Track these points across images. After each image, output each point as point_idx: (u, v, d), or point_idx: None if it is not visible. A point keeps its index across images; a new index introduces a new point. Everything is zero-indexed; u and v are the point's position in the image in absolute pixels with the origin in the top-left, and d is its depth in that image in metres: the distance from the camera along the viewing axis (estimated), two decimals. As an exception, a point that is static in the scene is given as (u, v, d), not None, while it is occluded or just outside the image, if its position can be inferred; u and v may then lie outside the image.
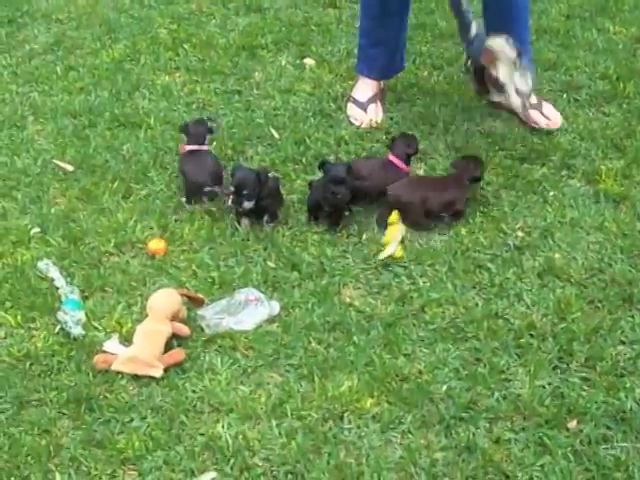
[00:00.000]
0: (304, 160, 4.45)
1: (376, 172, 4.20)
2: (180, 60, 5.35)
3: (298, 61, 5.28)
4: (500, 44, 4.26)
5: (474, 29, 4.38)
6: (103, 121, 4.85)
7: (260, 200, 4.04)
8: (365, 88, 4.85)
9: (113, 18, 5.79)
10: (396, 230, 3.98)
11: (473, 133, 4.60)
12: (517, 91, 4.34)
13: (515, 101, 4.38)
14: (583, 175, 4.34)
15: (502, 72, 4.28)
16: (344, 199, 4.03)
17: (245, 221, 4.08)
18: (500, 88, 4.32)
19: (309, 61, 5.28)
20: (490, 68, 4.32)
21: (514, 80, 4.31)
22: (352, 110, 4.81)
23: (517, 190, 4.25)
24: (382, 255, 3.90)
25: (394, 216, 4.03)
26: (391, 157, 4.23)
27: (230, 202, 4.04)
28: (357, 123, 4.74)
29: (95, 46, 5.53)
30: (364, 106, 4.79)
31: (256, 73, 5.20)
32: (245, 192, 3.98)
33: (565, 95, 4.88)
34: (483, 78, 4.40)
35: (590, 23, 5.53)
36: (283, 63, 5.28)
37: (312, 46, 5.40)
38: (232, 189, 4.01)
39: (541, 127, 4.59)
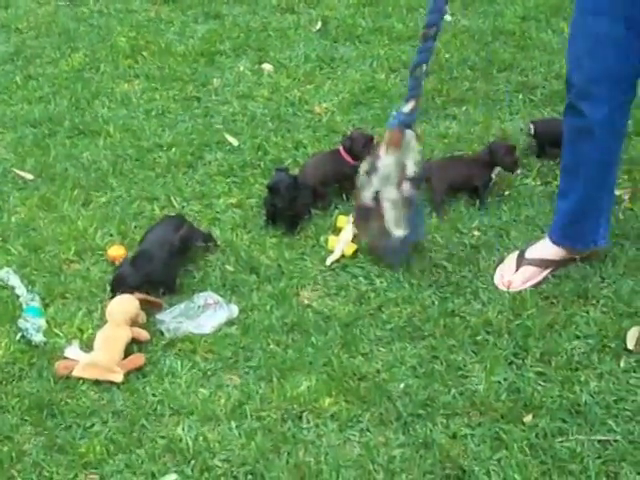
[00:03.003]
0: (262, 165, 4.48)
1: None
2: (139, 68, 5.37)
3: (256, 67, 5.32)
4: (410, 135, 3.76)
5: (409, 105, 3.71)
6: (63, 130, 4.86)
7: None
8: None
9: (72, 27, 5.79)
10: (343, 234, 4.00)
11: (430, 134, 4.64)
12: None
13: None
14: (538, 174, 4.38)
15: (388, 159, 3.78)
16: (281, 211, 4.05)
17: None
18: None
19: (267, 66, 5.31)
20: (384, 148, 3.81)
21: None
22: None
23: (473, 190, 4.29)
24: (329, 260, 3.93)
25: (342, 220, 4.08)
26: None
27: None
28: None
29: (55, 55, 5.54)
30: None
31: (214, 79, 5.23)
32: None
33: (521, 95, 4.93)
34: None
35: (545, 24, 5.59)
36: (241, 69, 5.31)
37: (270, 51, 5.44)
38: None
39: None
